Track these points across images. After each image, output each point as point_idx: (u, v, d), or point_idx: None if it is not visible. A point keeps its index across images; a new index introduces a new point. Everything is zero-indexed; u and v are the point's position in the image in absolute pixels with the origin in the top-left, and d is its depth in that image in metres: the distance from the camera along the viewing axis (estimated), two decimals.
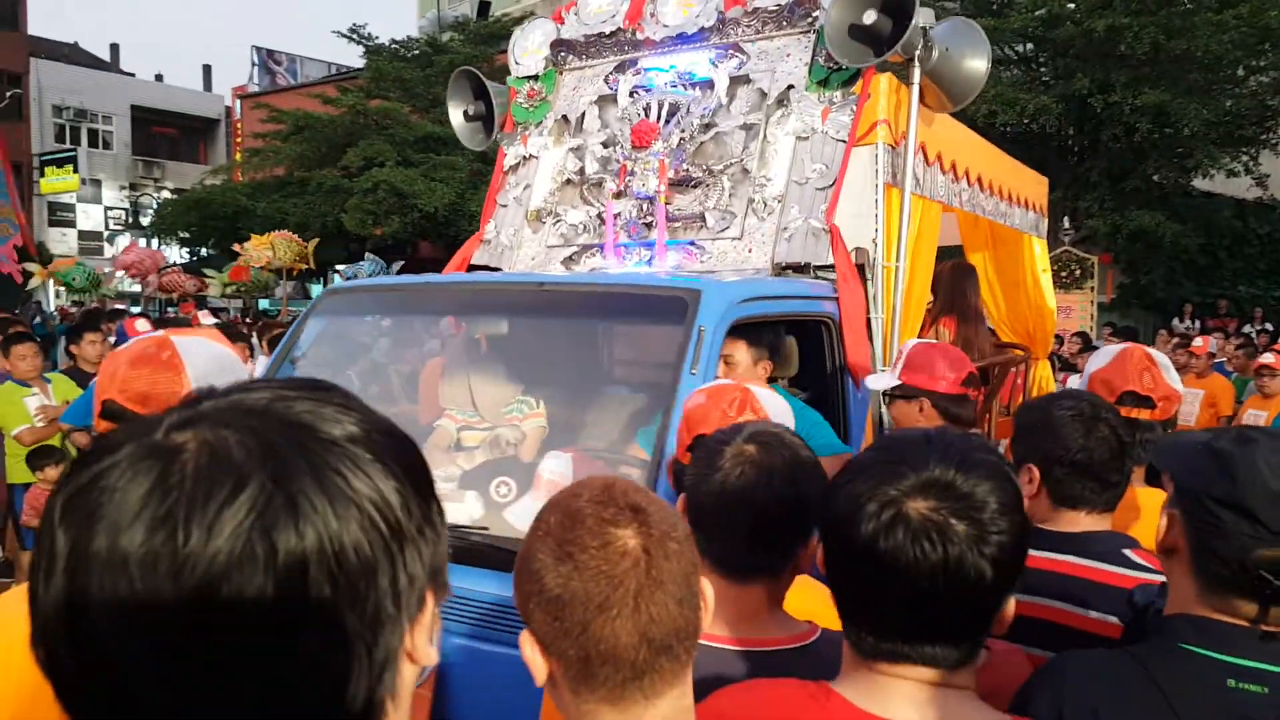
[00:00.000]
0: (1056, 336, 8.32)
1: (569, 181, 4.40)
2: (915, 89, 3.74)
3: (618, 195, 4.11)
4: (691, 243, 3.90)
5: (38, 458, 5.88)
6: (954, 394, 2.90)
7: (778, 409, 2.09)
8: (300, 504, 0.60)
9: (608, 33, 4.46)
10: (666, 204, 3.97)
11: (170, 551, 0.58)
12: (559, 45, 4.63)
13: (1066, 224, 16.35)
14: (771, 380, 3.75)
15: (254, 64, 40.78)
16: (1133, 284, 18.54)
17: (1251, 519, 1.32)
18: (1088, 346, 10.51)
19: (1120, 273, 18.43)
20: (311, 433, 0.65)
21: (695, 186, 3.97)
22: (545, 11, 5.02)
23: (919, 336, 5.80)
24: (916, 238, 4.13)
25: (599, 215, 4.12)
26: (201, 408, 0.66)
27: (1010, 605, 1.22)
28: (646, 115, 4.13)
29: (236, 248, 18.34)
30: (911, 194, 3.96)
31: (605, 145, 4.29)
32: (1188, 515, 1.40)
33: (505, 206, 4.56)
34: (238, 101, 37.24)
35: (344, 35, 24.82)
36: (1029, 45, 17.62)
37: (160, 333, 1.85)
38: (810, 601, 1.68)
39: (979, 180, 4.94)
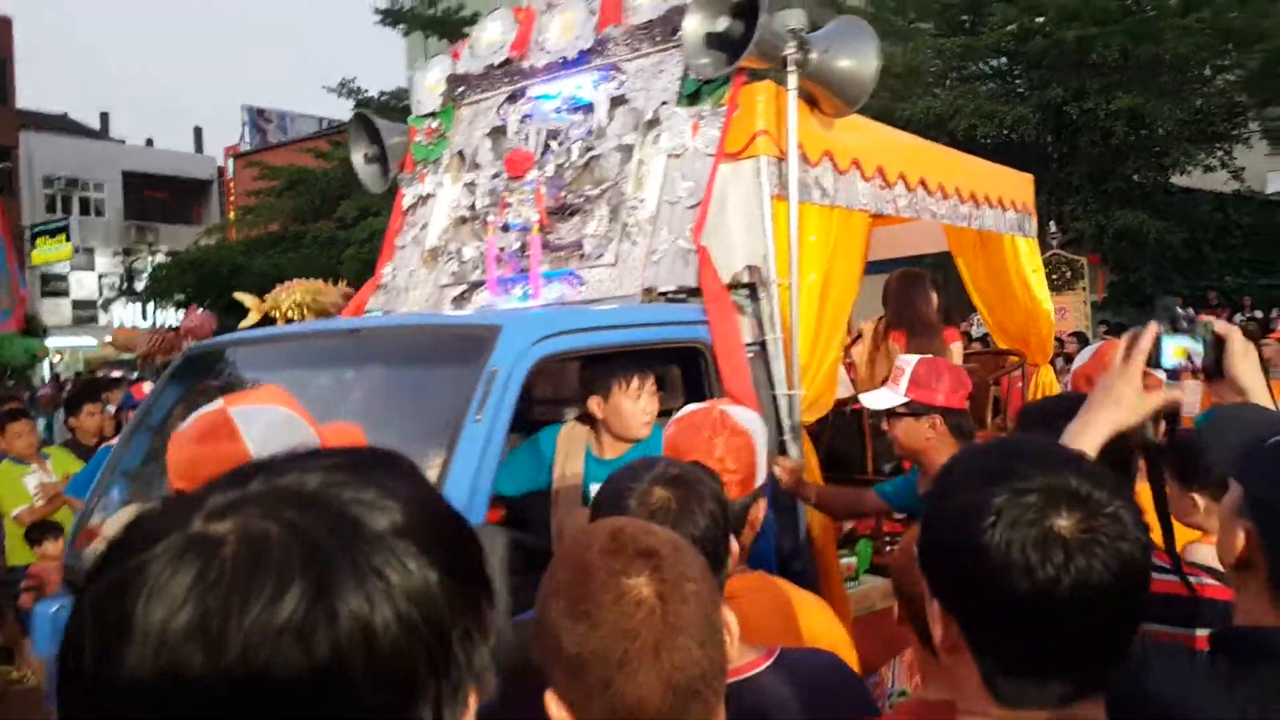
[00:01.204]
0: (1056, 338, 7.67)
1: (463, 218, 3.96)
2: (792, 94, 3.25)
3: (504, 228, 3.66)
4: (572, 273, 3.43)
5: (36, 532, 5.48)
6: (961, 409, 2.84)
7: (755, 425, 2.00)
8: (339, 610, 0.54)
9: (497, 64, 4.03)
10: (548, 233, 3.51)
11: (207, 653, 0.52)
12: (456, 80, 4.22)
13: (1054, 228, 15.69)
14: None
15: (244, 123, 39.39)
16: (1122, 282, 17.76)
17: None
18: (1086, 346, 10.00)
19: (1110, 272, 17.64)
20: (356, 527, 0.58)
21: (574, 214, 3.50)
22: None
23: (870, 353, 5.35)
24: (832, 250, 3.64)
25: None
26: (248, 490, 0.60)
27: None
28: (526, 144, 3.68)
29: (248, 301, 17.73)
30: (807, 204, 3.47)
31: (494, 178, 3.85)
32: (1267, 532, 1.20)
33: (403, 248, 4.13)
34: (230, 160, 35.72)
35: (334, 90, 23.75)
36: (1003, 59, 17.05)
37: (218, 403, 1.67)
38: (823, 627, 1.65)
39: (924, 184, 4.43)
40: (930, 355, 4.76)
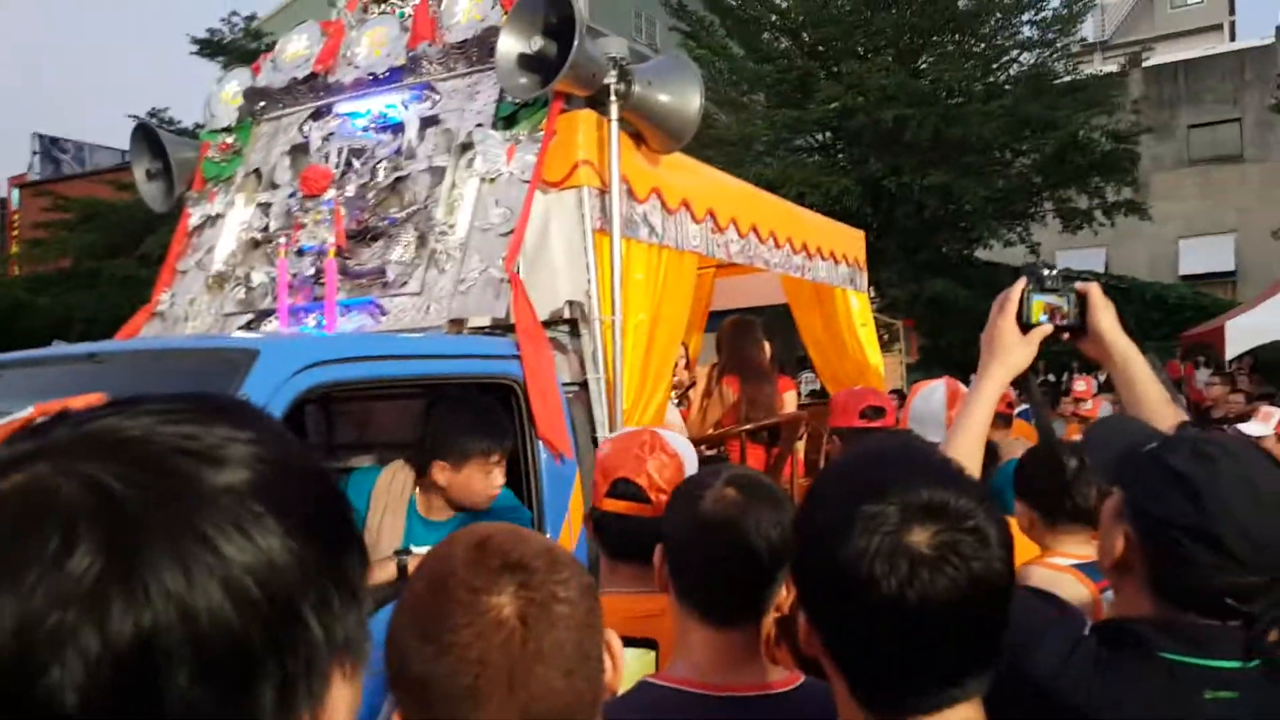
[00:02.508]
0: None
1: (254, 241, 3.55)
2: (614, 125, 3.08)
3: (298, 252, 3.29)
4: (373, 301, 3.09)
5: None
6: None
7: (686, 450, 1.97)
8: (144, 587, 0.44)
9: (301, 78, 3.68)
10: (346, 258, 3.17)
11: None
12: (255, 94, 3.84)
13: (872, 293, 16.41)
14: None
15: (35, 151, 36.38)
16: (933, 346, 18.74)
17: (1219, 550, 1.16)
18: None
19: (922, 336, 18.58)
20: (186, 484, 0.48)
21: (377, 238, 3.18)
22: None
23: (704, 396, 5.23)
24: (660, 290, 3.46)
25: None
26: (54, 435, 0.50)
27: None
28: (326, 162, 3.34)
29: None
30: (633, 241, 3.30)
31: (291, 197, 3.47)
32: (1146, 539, 1.25)
33: (185, 273, 3.68)
34: (13, 191, 33.24)
35: (141, 119, 22.26)
36: (828, 134, 17.85)
37: (28, 410, 1.13)
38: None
39: (756, 231, 4.34)
40: (763, 400, 4.74)
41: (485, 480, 2.48)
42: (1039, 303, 1.56)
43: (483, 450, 2.44)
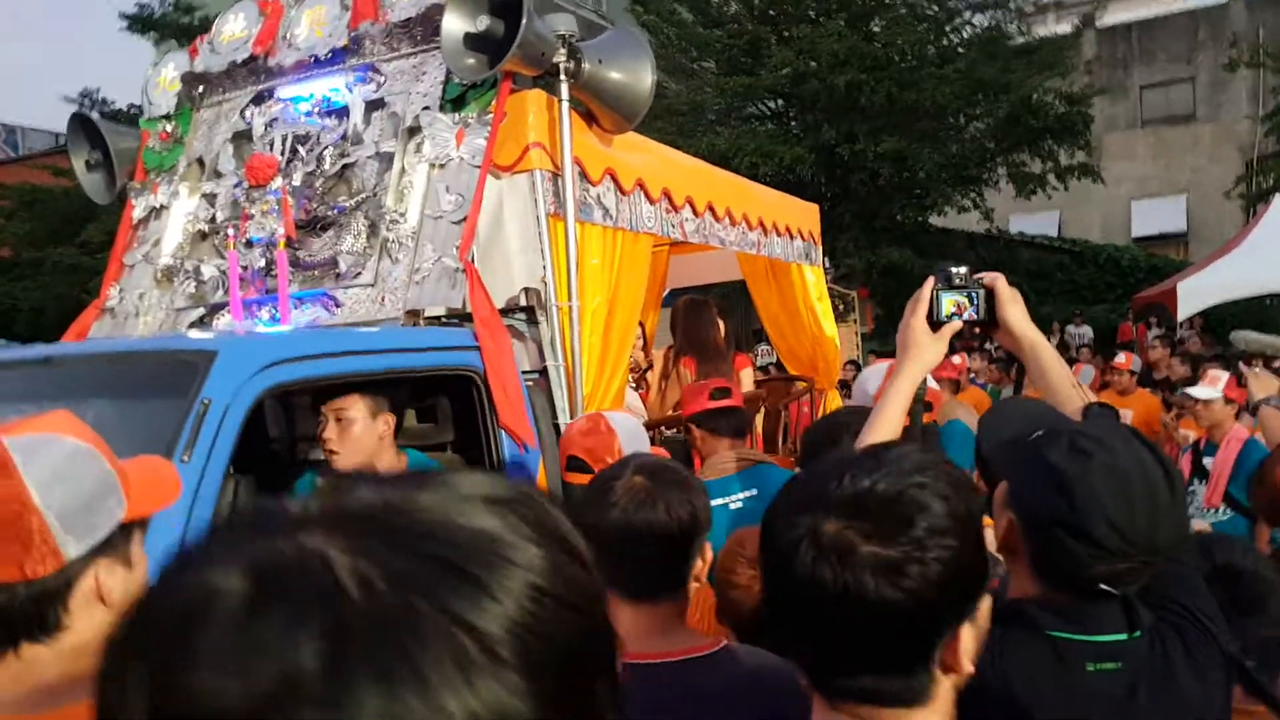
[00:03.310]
0: None
1: (202, 233, 3.52)
2: (564, 105, 3.09)
3: (247, 244, 3.27)
4: (326, 293, 3.09)
5: None
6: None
7: (625, 423, 2.34)
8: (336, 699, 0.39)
9: (241, 61, 3.64)
10: (297, 249, 3.16)
11: None
12: (193, 79, 3.78)
13: (827, 263, 16.53)
14: (420, 447, 2.99)
15: None
16: (887, 315, 18.96)
17: (1089, 541, 1.25)
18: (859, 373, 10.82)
19: (877, 305, 18.81)
20: (432, 603, 0.43)
21: (327, 228, 3.18)
22: None
23: (662, 378, 5.29)
24: (616, 273, 3.49)
25: None
26: (312, 510, 0.47)
27: (966, 638, 1.00)
28: (271, 150, 3.31)
29: None
30: (588, 224, 3.32)
31: (237, 187, 3.44)
32: (1026, 527, 1.33)
33: (133, 267, 3.64)
34: None
35: (74, 101, 20.68)
36: (780, 101, 17.88)
37: None
38: None
39: (711, 209, 4.38)
40: (720, 379, 4.81)
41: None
42: (949, 300, 1.67)
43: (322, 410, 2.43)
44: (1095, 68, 23.10)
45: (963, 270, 1.68)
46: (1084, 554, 1.25)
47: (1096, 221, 24.14)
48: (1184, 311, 12.59)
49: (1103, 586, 1.26)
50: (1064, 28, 20.84)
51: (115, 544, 1.20)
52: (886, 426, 1.63)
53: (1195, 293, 12.65)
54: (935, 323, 1.67)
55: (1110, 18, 24.43)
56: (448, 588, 0.44)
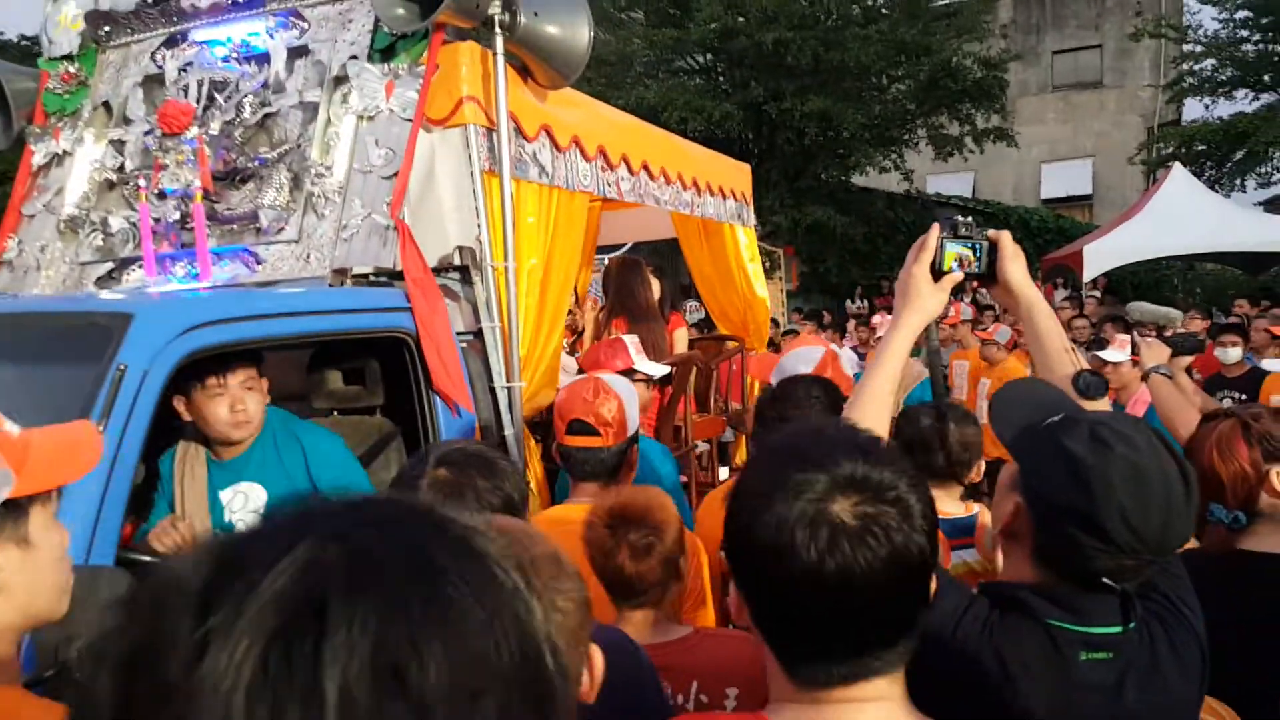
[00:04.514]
0: None
1: (109, 182, 3.30)
2: (499, 59, 2.96)
3: (160, 195, 3.07)
4: (247, 249, 2.93)
5: None
6: None
7: (626, 390, 2.40)
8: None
9: (151, 1, 3.39)
10: (215, 202, 2.98)
11: None
12: (98, 18, 3.51)
13: (754, 221, 16.60)
14: (347, 411, 2.88)
15: None
16: (812, 272, 19.20)
17: (1102, 536, 1.22)
18: (789, 331, 10.72)
19: (802, 263, 19.00)
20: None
21: (248, 180, 3.00)
22: None
23: (597, 339, 5.21)
24: (553, 232, 3.39)
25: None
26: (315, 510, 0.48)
27: (933, 583, 1.04)
28: (185, 96, 3.11)
29: None
30: (524, 182, 3.20)
31: (148, 135, 3.23)
32: (1035, 515, 1.30)
33: (33, 217, 3.40)
34: None
35: None
36: (709, 55, 17.76)
37: None
38: None
39: (646, 168, 4.28)
40: (653, 340, 4.76)
41: (223, 408, 2.31)
42: (951, 251, 1.61)
43: (202, 380, 2.26)
44: (1010, 32, 23.47)
45: (969, 220, 1.64)
46: (1092, 548, 1.23)
47: (1009, 183, 24.69)
48: (1089, 273, 12.99)
49: (1105, 580, 1.25)
50: None
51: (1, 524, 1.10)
52: (886, 375, 1.57)
53: (1100, 255, 13.05)
54: (937, 273, 1.61)
55: None
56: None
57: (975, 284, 1.68)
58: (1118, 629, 1.26)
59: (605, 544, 1.80)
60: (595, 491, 2.31)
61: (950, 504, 2.54)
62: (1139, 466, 1.23)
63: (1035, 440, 1.33)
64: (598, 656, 0.99)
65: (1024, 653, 1.25)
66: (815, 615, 0.98)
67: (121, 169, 3.25)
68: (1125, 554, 1.23)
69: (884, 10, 17.40)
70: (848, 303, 17.32)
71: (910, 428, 2.55)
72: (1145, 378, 4.44)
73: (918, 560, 0.99)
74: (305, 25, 3.13)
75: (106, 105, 3.43)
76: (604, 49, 16.31)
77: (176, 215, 3.01)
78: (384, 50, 2.96)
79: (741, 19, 16.34)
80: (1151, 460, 1.24)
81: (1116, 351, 4.99)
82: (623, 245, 7.08)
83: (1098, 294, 13.37)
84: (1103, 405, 1.57)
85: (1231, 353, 5.81)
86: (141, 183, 3.02)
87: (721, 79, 18.09)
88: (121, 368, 1.65)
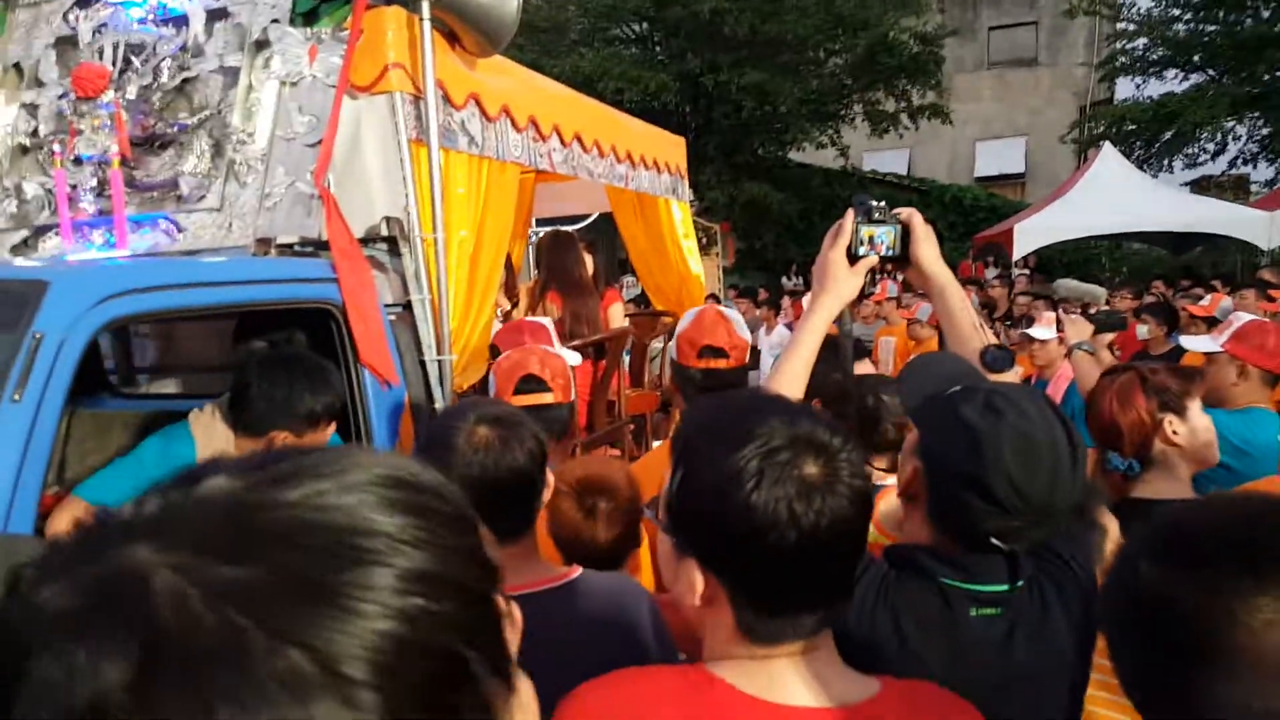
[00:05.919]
0: None
1: (23, 147, 3.23)
2: (426, 24, 2.96)
3: (76, 161, 3.02)
4: (167, 217, 2.91)
5: None
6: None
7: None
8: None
9: None
10: (133, 169, 2.95)
11: None
12: None
13: (691, 196, 16.67)
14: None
15: None
16: (748, 248, 19.39)
17: (990, 499, 1.30)
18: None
19: (738, 239, 19.18)
20: (263, 620, 0.40)
21: (167, 146, 2.97)
22: None
23: (530, 314, 5.23)
24: (483, 204, 3.40)
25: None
26: (148, 511, 0.45)
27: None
28: (100, 59, 3.05)
29: None
30: (453, 151, 3.21)
31: (61, 98, 3.16)
32: (931, 478, 1.39)
33: None
34: None
35: None
36: (645, 24, 17.72)
37: None
38: None
39: (579, 140, 4.30)
40: (587, 315, 4.80)
41: (323, 441, 2.42)
42: (866, 233, 1.68)
43: (327, 413, 2.38)
44: (947, 6, 23.84)
45: (881, 204, 1.69)
46: (981, 509, 1.31)
47: (944, 161, 25.15)
48: (1019, 251, 13.35)
49: (993, 541, 1.32)
50: None
51: None
52: (801, 358, 1.64)
53: (1029, 233, 13.42)
54: (852, 256, 1.67)
55: None
56: (284, 602, 0.41)
57: (889, 266, 1.76)
58: (1005, 587, 1.35)
59: (574, 514, 1.91)
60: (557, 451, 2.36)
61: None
62: (1028, 434, 1.31)
63: (935, 408, 1.41)
64: (517, 613, 1.04)
65: (918, 610, 1.34)
66: (804, 573, 1.03)
67: (35, 133, 3.19)
68: (1012, 516, 1.30)
69: None
70: (784, 279, 17.56)
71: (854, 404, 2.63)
72: (1069, 354, 4.65)
73: (869, 500, 1.08)
74: None
75: (18, 67, 3.35)
76: (536, 15, 16.19)
77: (94, 182, 2.97)
78: (306, 14, 2.94)
79: None
80: (1041, 428, 1.32)
81: (1044, 329, 5.19)
82: (564, 219, 7.09)
83: (1028, 272, 13.76)
84: (1009, 378, 1.67)
85: (1140, 329, 6.11)
86: (56, 148, 2.96)
87: (658, 49, 18.09)
88: (38, 336, 1.65)
